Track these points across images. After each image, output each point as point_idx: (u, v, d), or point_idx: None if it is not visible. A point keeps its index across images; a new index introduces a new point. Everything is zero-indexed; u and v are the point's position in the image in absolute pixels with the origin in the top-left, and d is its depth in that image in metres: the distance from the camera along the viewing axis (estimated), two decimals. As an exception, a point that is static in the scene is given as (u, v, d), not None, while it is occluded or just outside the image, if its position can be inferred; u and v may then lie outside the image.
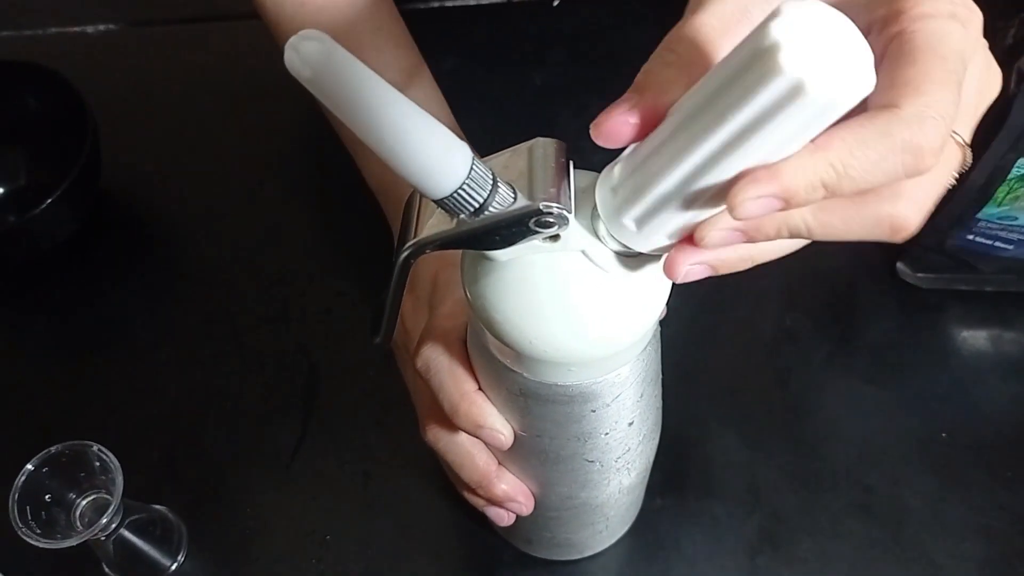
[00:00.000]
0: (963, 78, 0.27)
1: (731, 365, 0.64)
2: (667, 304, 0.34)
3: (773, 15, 0.23)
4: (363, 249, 0.69)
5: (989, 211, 0.57)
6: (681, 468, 0.60)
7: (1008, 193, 0.56)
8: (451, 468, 0.46)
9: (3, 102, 0.71)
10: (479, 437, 0.41)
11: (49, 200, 0.64)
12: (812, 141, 0.26)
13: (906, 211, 0.28)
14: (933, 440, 0.61)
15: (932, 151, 0.25)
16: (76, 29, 0.83)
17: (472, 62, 0.77)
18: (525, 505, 0.46)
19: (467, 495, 0.48)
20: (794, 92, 0.23)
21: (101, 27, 0.84)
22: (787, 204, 0.26)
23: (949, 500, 0.59)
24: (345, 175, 0.61)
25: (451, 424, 0.42)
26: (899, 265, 0.65)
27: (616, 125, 0.28)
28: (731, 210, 0.27)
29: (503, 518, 0.47)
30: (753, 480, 0.60)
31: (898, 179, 0.26)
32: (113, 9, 0.85)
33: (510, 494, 0.45)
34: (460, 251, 0.46)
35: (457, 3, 0.82)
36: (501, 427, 0.40)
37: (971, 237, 0.60)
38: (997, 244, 0.60)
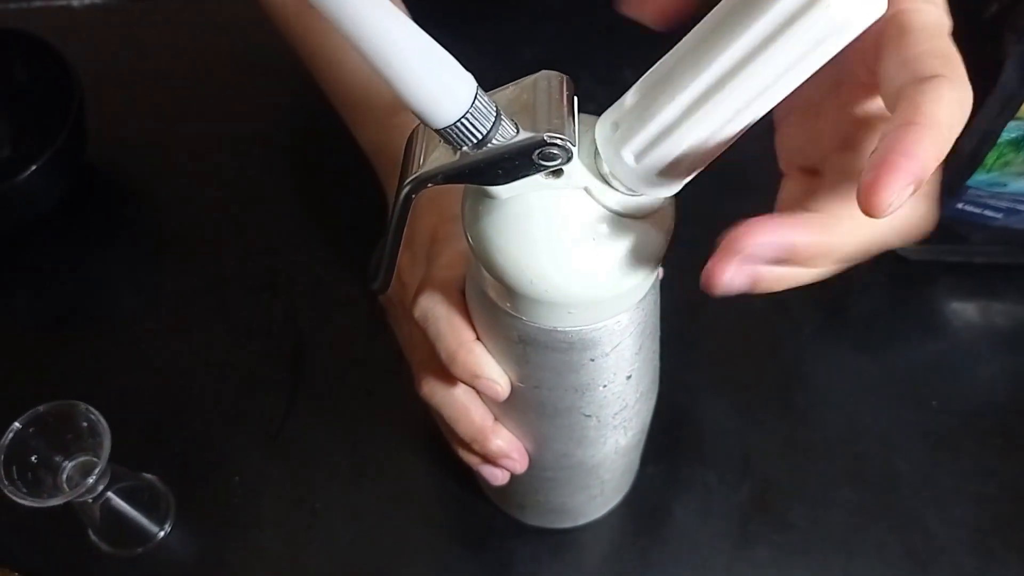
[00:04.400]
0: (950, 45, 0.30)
1: (723, 334, 0.64)
2: (663, 265, 0.34)
3: None
4: (350, 218, 0.69)
5: (979, 178, 0.58)
6: (673, 436, 0.60)
7: (998, 158, 0.56)
8: (446, 423, 0.45)
9: (-11, 70, 0.70)
10: (476, 387, 0.41)
11: (32, 168, 0.63)
12: None
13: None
14: (924, 408, 0.61)
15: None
16: (62, 2, 0.83)
17: (462, 37, 0.76)
18: (519, 462, 0.45)
19: (461, 452, 0.47)
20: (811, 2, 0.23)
21: (87, 0, 0.83)
22: None
23: (940, 467, 0.59)
24: (332, 146, 0.61)
25: (448, 377, 0.41)
26: (889, 236, 0.66)
27: None
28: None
29: (497, 477, 0.47)
30: (745, 448, 0.60)
31: None
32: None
33: (505, 450, 0.44)
34: (459, 204, 0.46)
35: (447, -21, 0.81)
36: (498, 377, 0.40)
37: (961, 206, 0.61)
38: (987, 213, 0.61)
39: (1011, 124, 0.53)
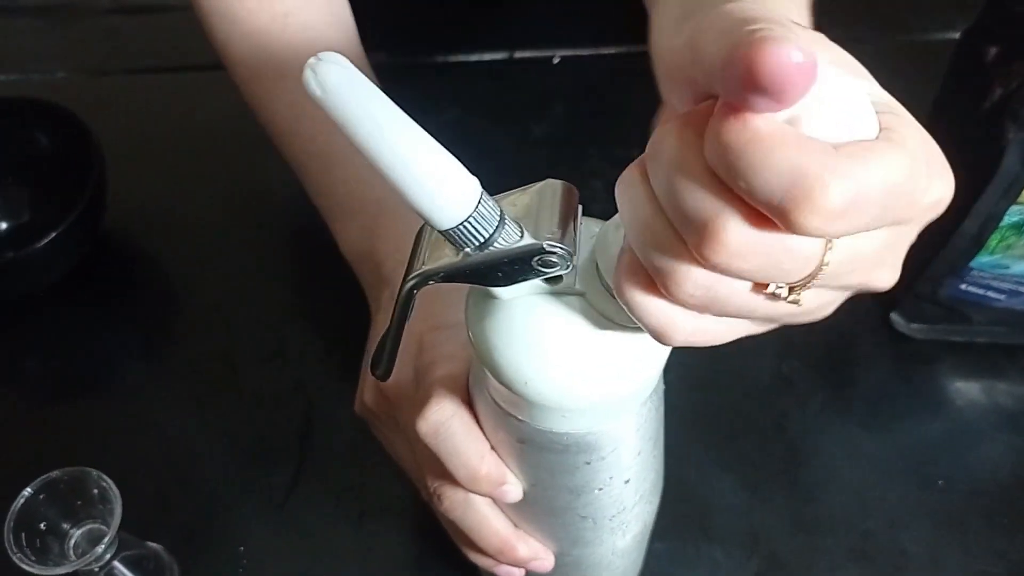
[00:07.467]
0: None
1: (730, 411, 0.65)
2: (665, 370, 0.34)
3: None
4: (361, 289, 0.69)
5: (982, 259, 0.59)
6: (680, 512, 0.60)
7: (1000, 241, 0.57)
8: (465, 535, 0.44)
9: (13, 138, 0.72)
10: (494, 496, 0.40)
11: (52, 235, 0.64)
12: None
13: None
14: (930, 487, 0.61)
15: None
16: (85, 75, 0.85)
17: (474, 114, 0.78)
18: (547, 561, 0.44)
19: (476, 557, 0.46)
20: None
21: (110, 73, 0.85)
22: None
23: (947, 546, 0.59)
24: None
25: (465, 490, 0.40)
26: (893, 315, 0.67)
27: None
28: None
29: (513, 574, 0.46)
30: (752, 525, 0.60)
31: None
32: (120, 55, 0.87)
33: (533, 554, 0.43)
34: (446, 311, 0.46)
35: (461, 59, 0.84)
36: (515, 482, 0.40)
37: (964, 286, 0.62)
38: (989, 294, 0.62)
39: (1013, 208, 0.55)
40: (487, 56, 0.84)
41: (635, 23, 0.85)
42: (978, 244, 0.58)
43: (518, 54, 0.84)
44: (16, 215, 0.73)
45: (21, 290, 0.69)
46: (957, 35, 0.60)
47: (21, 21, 0.89)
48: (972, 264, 0.59)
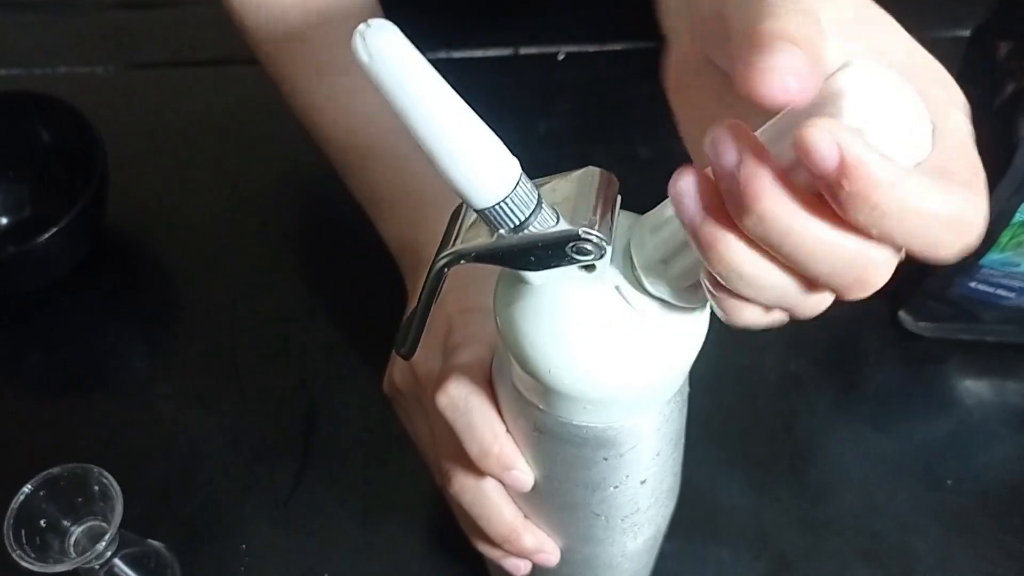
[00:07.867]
0: None
1: (737, 409, 0.64)
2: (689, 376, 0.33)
3: (844, 66, 0.23)
4: (365, 286, 0.69)
5: (992, 257, 0.58)
6: (688, 512, 0.59)
7: (1011, 238, 0.56)
8: (473, 522, 0.43)
9: (15, 133, 0.71)
10: (504, 480, 0.40)
11: (53, 230, 0.63)
12: None
13: None
14: (939, 487, 0.61)
15: None
16: (86, 69, 0.84)
17: (479, 109, 0.78)
18: (553, 555, 0.44)
19: (484, 547, 0.45)
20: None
21: (111, 68, 0.85)
22: None
23: (956, 547, 0.59)
24: (349, 215, 0.61)
25: (478, 473, 0.40)
26: (901, 314, 0.66)
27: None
28: None
29: (520, 568, 0.45)
30: (760, 524, 0.59)
31: None
32: (123, 50, 0.86)
33: (539, 546, 0.43)
34: (476, 295, 0.46)
35: (465, 55, 0.83)
36: (526, 469, 0.39)
37: (973, 284, 0.61)
38: (999, 292, 0.61)
39: (1024, 205, 0.54)
40: (492, 52, 0.83)
41: (640, 19, 0.85)
42: (989, 241, 0.57)
43: (523, 50, 0.84)
44: (18, 210, 0.73)
45: (23, 286, 0.69)
46: (967, 32, 0.60)
47: (23, 16, 0.89)
48: (982, 262, 0.59)
